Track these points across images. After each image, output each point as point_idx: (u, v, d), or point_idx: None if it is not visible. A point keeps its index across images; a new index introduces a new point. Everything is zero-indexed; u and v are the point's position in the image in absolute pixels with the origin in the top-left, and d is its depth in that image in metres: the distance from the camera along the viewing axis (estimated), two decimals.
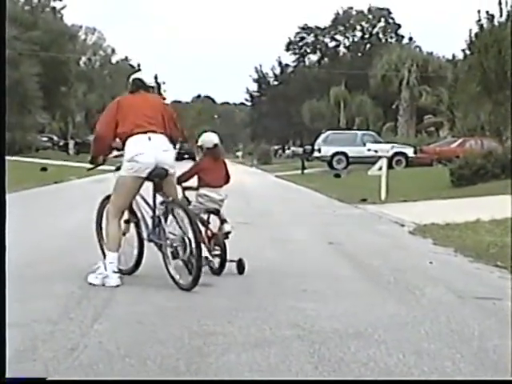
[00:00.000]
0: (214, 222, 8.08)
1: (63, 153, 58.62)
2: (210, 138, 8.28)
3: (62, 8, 70.37)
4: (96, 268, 7.14)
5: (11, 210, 10.71)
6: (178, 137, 7.54)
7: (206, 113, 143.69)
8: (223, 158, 8.48)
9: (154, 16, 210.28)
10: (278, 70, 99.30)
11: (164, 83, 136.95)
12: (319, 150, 40.59)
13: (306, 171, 40.52)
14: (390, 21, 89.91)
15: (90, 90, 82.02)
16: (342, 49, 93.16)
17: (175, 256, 6.96)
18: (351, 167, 38.46)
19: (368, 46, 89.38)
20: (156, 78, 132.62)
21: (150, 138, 7.05)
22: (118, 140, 7.27)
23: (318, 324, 5.71)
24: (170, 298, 6.53)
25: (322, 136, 41.66)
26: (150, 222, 7.29)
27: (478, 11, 25.11)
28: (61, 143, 65.95)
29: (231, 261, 7.89)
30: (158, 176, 7.05)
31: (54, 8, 69.22)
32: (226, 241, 7.93)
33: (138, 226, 7.44)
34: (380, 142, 33.80)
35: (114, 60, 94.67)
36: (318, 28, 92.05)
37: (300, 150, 61.14)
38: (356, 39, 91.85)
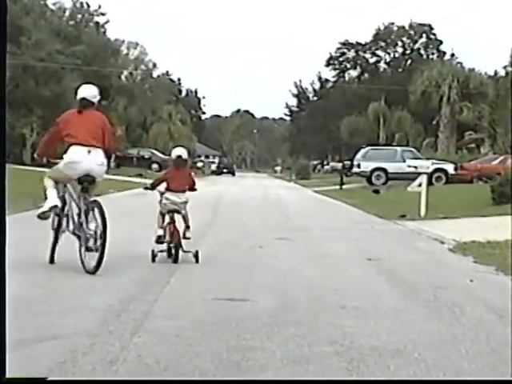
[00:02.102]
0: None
1: None
2: (174, 152, 10.25)
3: (106, 23, 71.25)
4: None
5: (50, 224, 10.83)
6: (114, 149, 9.51)
7: (245, 127, 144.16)
8: (189, 170, 10.66)
9: (195, 31, 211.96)
10: (317, 85, 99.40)
11: (204, 98, 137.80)
12: (358, 166, 40.42)
13: (344, 187, 40.38)
14: (432, 37, 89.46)
15: (130, 103, 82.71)
16: (382, 64, 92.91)
17: (89, 245, 8.54)
18: (390, 183, 38.23)
19: (409, 61, 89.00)
20: (196, 92, 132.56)
21: (89, 152, 8.69)
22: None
23: (356, 341, 5.67)
24: (208, 312, 6.54)
25: (362, 151, 41.49)
26: (76, 218, 8.81)
27: None
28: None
29: (188, 251, 9.72)
30: (87, 181, 8.75)
31: (97, 23, 70.09)
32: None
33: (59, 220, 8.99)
34: (420, 159, 33.54)
35: (155, 74, 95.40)
36: (358, 44, 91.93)
37: (339, 165, 60.98)
38: (397, 55, 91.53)
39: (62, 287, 7.53)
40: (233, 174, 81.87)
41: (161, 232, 9.89)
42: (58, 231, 9.03)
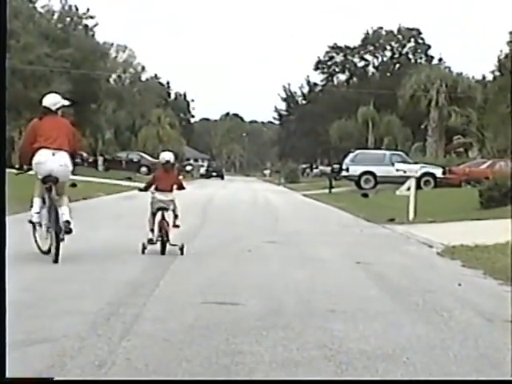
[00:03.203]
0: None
1: (92, 169, 58.97)
2: (162, 156, 11.57)
3: (94, 26, 71.02)
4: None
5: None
6: (79, 149, 10.87)
7: (234, 131, 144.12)
8: (176, 172, 12.35)
9: (183, 34, 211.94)
10: (306, 89, 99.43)
11: (193, 101, 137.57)
12: (347, 170, 40.51)
13: (333, 190, 40.45)
14: (420, 41, 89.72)
15: (119, 107, 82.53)
16: (371, 68, 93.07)
17: (60, 237, 9.51)
18: (379, 187, 38.32)
19: (397, 66, 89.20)
20: (185, 95, 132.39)
21: (53, 154, 9.66)
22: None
23: (345, 345, 5.69)
24: (198, 315, 6.55)
25: (351, 155, 41.58)
26: (47, 215, 9.77)
27: (510, 32, 25.05)
28: (90, 159, 66.36)
29: (175, 245, 10.79)
30: (50, 181, 9.64)
31: (86, 26, 69.88)
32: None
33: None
34: (408, 162, 33.67)
35: (143, 77, 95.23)
36: (347, 47, 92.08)
37: (328, 169, 61.02)
38: (385, 59, 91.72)
39: (52, 290, 7.51)
40: (222, 177, 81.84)
41: (151, 235, 11.00)
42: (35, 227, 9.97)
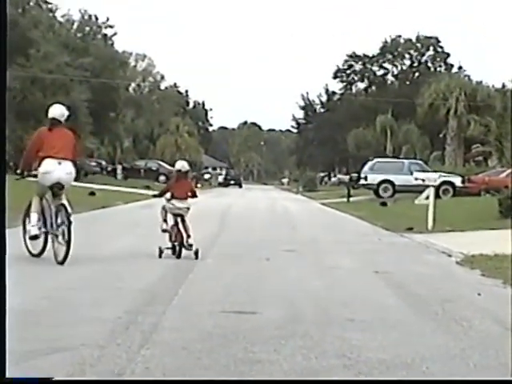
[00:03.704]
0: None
1: (111, 178, 59.19)
2: (176, 165, 12.14)
3: (113, 35, 71.46)
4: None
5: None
6: (78, 157, 11.09)
7: (252, 139, 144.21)
8: (190, 180, 12.76)
9: (202, 44, 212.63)
10: (324, 98, 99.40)
11: (211, 109, 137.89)
12: (365, 178, 40.39)
13: (351, 199, 40.33)
14: (439, 49, 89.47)
15: (138, 115, 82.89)
16: (389, 77, 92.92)
17: (59, 241, 10.01)
18: (398, 196, 38.19)
19: (416, 74, 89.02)
20: (203, 104, 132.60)
21: (59, 163, 10.32)
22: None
23: (364, 354, 5.66)
24: (216, 324, 6.54)
25: (369, 164, 41.46)
26: (49, 219, 10.34)
27: None
28: (109, 168, 66.61)
29: (190, 245, 11.25)
30: (57, 187, 10.33)
31: (105, 35, 70.31)
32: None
33: (45, 225, 10.39)
34: (427, 171, 33.51)
35: (162, 86, 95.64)
36: (366, 56, 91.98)
37: (346, 177, 60.93)
38: (404, 67, 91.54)
39: (70, 298, 7.54)
40: (240, 185, 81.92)
41: (165, 225, 11.67)
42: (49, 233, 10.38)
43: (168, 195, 11.80)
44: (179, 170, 11.91)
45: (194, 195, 11.94)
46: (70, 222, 10.07)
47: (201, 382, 4.47)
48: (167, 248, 11.35)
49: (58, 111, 10.70)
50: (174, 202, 11.63)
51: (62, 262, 9.86)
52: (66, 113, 10.82)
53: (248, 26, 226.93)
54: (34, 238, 10.33)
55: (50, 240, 10.33)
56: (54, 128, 10.53)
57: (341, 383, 4.51)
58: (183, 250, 11.33)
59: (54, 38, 54.59)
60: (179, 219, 11.57)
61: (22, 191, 10.60)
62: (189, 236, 11.46)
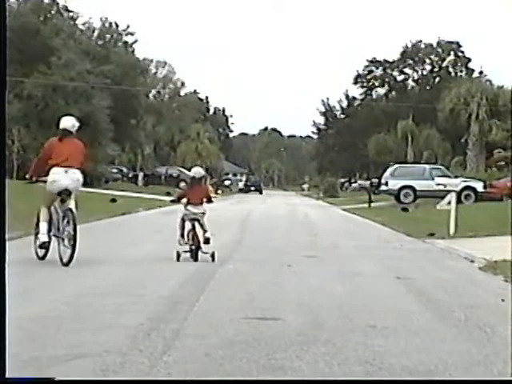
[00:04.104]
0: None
1: (132, 184, 59.41)
2: (194, 171, 12.55)
3: (134, 42, 71.79)
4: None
5: (81, 242, 11.01)
6: (85, 172, 11.43)
7: (272, 145, 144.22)
8: (205, 186, 13.26)
9: (222, 50, 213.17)
10: (345, 103, 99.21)
11: (231, 116, 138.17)
12: (386, 184, 40.27)
13: (372, 205, 40.21)
14: (460, 54, 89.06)
15: (158, 122, 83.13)
16: (410, 82, 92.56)
17: (65, 244, 10.61)
18: (419, 201, 38.03)
19: (437, 79, 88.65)
20: (223, 110, 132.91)
21: (66, 171, 10.92)
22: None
23: (387, 361, 5.63)
24: (238, 331, 6.54)
25: (390, 169, 41.35)
26: (56, 223, 10.95)
27: None
28: (130, 175, 66.86)
29: (206, 252, 11.67)
30: (65, 194, 10.90)
31: (125, 42, 70.64)
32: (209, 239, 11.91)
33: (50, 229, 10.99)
34: (449, 177, 33.41)
35: (182, 93, 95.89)
36: (386, 61, 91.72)
37: (367, 183, 60.80)
38: (425, 73, 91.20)
39: (92, 304, 7.57)
40: (260, 191, 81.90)
41: (180, 233, 12.07)
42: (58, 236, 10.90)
43: (184, 200, 12.21)
44: (193, 177, 12.43)
45: (210, 200, 12.32)
46: (75, 226, 10.66)
47: (200, 382, 4.46)
48: (185, 251, 11.82)
49: (68, 123, 11.35)
50: (189, 207, 12.05)
51: (66, 264, 10.51)
52: (77, 124, 11.42)
53: (269, 32, 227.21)
54: (43, 244, 10.93)
55: (55, 243, 10.93)
56: (63, 138, 11.18)
57: (341, 383, 4.49)
58: (200, 254, 11.82)
59: (75, 45, 54.90)
60: (196, 223, 11.99)
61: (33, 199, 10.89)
62: (205, 231, 11.98)
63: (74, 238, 10.56)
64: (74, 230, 10.63)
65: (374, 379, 4.45)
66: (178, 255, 11.75)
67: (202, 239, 11.90)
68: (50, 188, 10.98)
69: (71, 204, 11.04)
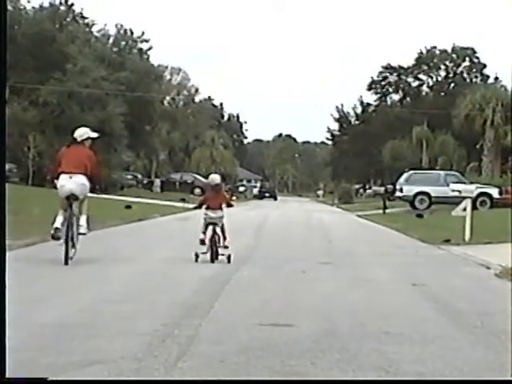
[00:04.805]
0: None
1: (147, 190, 59.55)
2: (211, 179, 13.37)
3: (149, 49, 72.11)
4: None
5: (96, 248, 11.04)
6: (98, 177, 12.48)
7: (286, 152, 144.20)
8: (223, 192, 13.87)
9: (236, 56, 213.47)
10: (359, 110, 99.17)
11: (246, 122, 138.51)
12: (401, 190, 40.17)
13: (387, 211, 40.11)
14: (475, 60, 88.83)
15: (173, 128, 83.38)
16: (424, 88, 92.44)
17: (73, 242, 11.66)
18: (434, 207, 37.91)
19: (452, 85, 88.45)
20: (238, 117, 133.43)
21: (71, 177, 11.76)
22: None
23: (402, 368, 5.61)
24: (253, 337, 6.53)
25: (405, 175, 41.25)
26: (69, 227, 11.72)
27: None
28: (145, 181, 67.02)
29: (222, 254, 12.41)
30: (72, 198, 11.73)
31: (140, 49, 70.94)
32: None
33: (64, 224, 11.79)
34: (464, 183, 33.24)
35: (197, 99, 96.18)
36: (400, 67, 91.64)
37: (381, 189, 60.69)
38: (439, 78, 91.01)
39: (107, 311, 7.58)
40: (275, 198, 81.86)
41: (202, 236, 12.68)
42: (67, 239, 11.58)
43: (204, 207, 13.03)
44: (210, 184, 13.29)
45: (229, 205, 13.16)
46: (78, 230, 11.80)
47: (200, 382, 4.46)
48: (202, 253, 12.45)
49: (77, 132, 12.31)
50: (208, 212, 12.84)
51: (65, 262, 11.33)
52: (88, 134, 12.32)
53: (282, 39, 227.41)
54: (56, 231, 11.61)
55: (63, 243, 11.59)
56: (71, 146, 12.17)
57: (341, 383, 4.48)
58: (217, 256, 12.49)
59: (91, 52, 55.19)
60: (214, 227, 12.70)
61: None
62: (225, 238, 12.72)
63: (73, 241, 11.66)
64: (77, 233, 11.80)
65: (370, 379, 4.41)
66: (197, 256, 12.38)
67: (221, 243, 12.61)
68: (59, 193, 11.88)
69: (83, 210, 12.01)
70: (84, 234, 11.96)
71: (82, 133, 12.29)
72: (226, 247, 12.62)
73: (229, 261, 12.31)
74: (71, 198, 11.73)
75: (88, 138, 12.29)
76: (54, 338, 6.21)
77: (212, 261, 12.34)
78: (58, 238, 11.58)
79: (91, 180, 12.02)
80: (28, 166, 46.13)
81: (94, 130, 12.61)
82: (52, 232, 11.65)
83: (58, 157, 12.26)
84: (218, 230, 12.73)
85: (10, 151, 46.54)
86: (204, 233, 12.75)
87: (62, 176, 11.84)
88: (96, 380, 4.48)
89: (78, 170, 11.83)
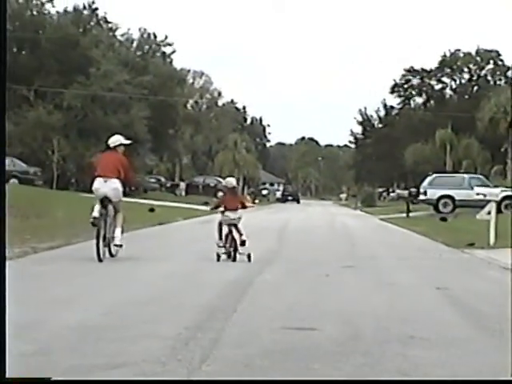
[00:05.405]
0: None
1: (170, 194, 59.73)
2: (228, 182, 14.19)
3: (172, 53, 72.29)
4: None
5: (120, 251, 11.06)
6: (131, 181, 13.71)
7: (309, 155, 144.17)
8: (239, 194, 14.27)
9: (259, 60, 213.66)
10: (382, 113, 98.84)
11: (269, 126, 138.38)
12: (425, 193, 39.97)
13: (411, 214, 39.93)
14: (499, 63, 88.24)
15: (196, 132, 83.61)
16: (448, 91, 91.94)
17: (107, 241, 12.57)
18: (458, 211, 37.70)
19: (476, 88, 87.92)
20: (261, 120, 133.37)
21: (105, 181, 12.77)
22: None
23: (426, 372, 5.58)
24: (276, 340, 6.53)
25: (428, 179, 41.05)
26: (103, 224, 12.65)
27: None
28: (168, 184, 67.21)
29: (242, 253, 13.01)
30: (106, 200, 12.67)
31: (163, 53, 71.15)
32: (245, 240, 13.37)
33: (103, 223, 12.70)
34: (488, 186, 33.03)
35: (220, 103, 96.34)
36: (424, 70, 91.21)
37: (405, 192, 60.42)
38: (463, 81, 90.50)
39: (131, 314, 7.61)
40: (298, 201, 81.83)
41: (221, 244, 13.34)
42: (98, 232, 12.38)
43: (222, 208, 13.64)
44: (226, 187, 14.06)
45: (244, 206, 13.79)
46: (113, 241, 12.74)
47: (200, 383, 4.46)
48: (223, 253, 13.15)
49: (111, 140, 13.28)
50: (226, 213, 13.45)
51: (101, 260, 12.13)
52: (121, 141, 13.26)
53: (305, 43, 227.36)
54: (95, 220, 12.48)
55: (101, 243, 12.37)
56: (105, 152, 13.31)
57: (342, 383, 4.46)
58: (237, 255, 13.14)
59: (114, 56, 55.45)
60: (233, 228, 13.34)
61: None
62: (241, 234, 13.32)
63: (108, 242, 12.62)
64: (112, 235, 12.75)
65: (371, 379, 4.39)
66: (218, 256, 13.04)
67: (238, 242, 13.19)
68: (94, 195, 12.90)
69: (117, 221, 12.94)
70: (120, 245, 12.80)
71: (115, 140, 13.24)
72: (243, 242, 13.21)
73: (249, 259, 12.83)
74: (105, 200, 12.63)
75: (120, 145, 13.22)
76: (79, 340, 6.24)
77: (233, 260, 12.99)
78: (96, 226, 12.44)
79: (124, 183, 13.01)
80: (52, 169, 46.41)
81: (128, 138, 13.76)
82: (91, 220, 12.53)
83: (93, 163, 13.53)
84: (236, 230, 13.36)
85: (35, 155, 46.97)
86: (221, 238, 13.40)
87: (98, 179, 12.82)
88: (99, 380, 4.49)
89: (112, 175, 12.79)
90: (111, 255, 12.68)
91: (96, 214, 12.58)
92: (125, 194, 13.31)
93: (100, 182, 12.80)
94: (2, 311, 4.51)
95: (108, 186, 12.75)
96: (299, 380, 4.73)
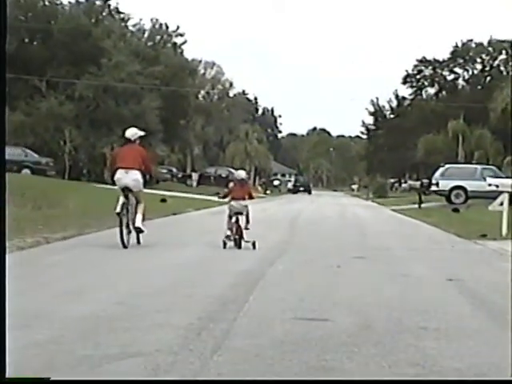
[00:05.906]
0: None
1: (182, 184, 59.78)
2: (237, 174, 15.13)
3: (183, 43, 72.28)
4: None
5: (132, 241, 11.04)
6: (150, 171, 14.14)
7: (321, 145, 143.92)
8: (247, 186, 15.36)
9: (271, 50, 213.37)
10: (394, 103, 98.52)
11: (280, 116, 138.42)
12: (437, 184, 39.88)
13: (423, 205, 39.86)
14: None
15: (207, 123, 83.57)
16: (460, 82, 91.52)
17: (129, 228, 13.25)
18: (470, 202, 37.60)
19: (488, 78, 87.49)
20: (272, 111, 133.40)
21: (126, 172, 13.43)
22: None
23: (438, 363, 5.57)
24: (288, 331, 6.53)
25: (440, 170, 40.93)
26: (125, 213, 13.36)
27: None
28: (179, 175, 67.25)
29: (248, 241, 13.69)
30: (126, 190, 13.35)
31: (175, 43, 71.14)
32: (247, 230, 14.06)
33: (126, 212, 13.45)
34: (501, 177, 32.93)
35: (231, 93, 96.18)
36: (436, 61, 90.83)
37: (417, 183, 60.30)
38: (476, 72, 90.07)
39: (143, 304, 7.63)
40: (309, 192, 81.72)
41: (229, 232, 13.84)
42: (121, 222, 13.11)
43: (229, 198, 14.41)
44: (236, 178, 15.00)
45: (251, 197, 14.66)
46: (134, 216, 13.40)
47: (198, 382, 4.46)
48: (229, 239, 13.77)
49: (129, 132, 13.97)
50: (233, 203, 14.22)
51: (126, 246, 12.87)
52: (139, 133, 13.97)
53: (315, 33, 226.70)
54: (119, 214, 13.12)
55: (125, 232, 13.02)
56: (125, 145, 14.01)
57: (343, 383, 4.45)
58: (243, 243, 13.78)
59: (126, 47, 55.47)
60: (239, 216, 14.04)
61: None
62: (248, 222, 14.06)
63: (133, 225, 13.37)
64: (133, 219, 13.39)
65: (371, 379, 4.38)
66: (225, 244, 13.68)
67: (243, 227, 13.93)
68: (116, 185, 13.60)
69: (139, 208, 13.58)
70: (140, 230, 13.41)
71: (133, 133, 13.94)
72: (247, 229, 13.97)
73: (254, 247, 13.52)
74: (126, 190, 13.33)
75: (138, 137, 13.93)
76: (91, 330, 6.26)
77: (239, 247, 13.65)
78: (120, 215, 13.16)
79: (144, 174, 13.69)
80: (64, 159, 46.52)
81: (142, 129, 14.51)
82: (117, 211, 13.21)
83: (112, 156, 14.49)
84: (242, 218, 14.09)
85: (47, 145, 47.09)
86: (230, 228, 13.91)
87: (119, 171, 13.51)
88: (99, 380, 4.50)
89: (133, 166, 13.49)
90: (138, 242, 13.48)
91: (118, 209, 13.27)
92: (145, 185, 13.91)
93: (121, 173, 13.48)
94: (2, 311, 4.52)
95: (129, 177, 13.42)
96: (300, 380, 4.73)
